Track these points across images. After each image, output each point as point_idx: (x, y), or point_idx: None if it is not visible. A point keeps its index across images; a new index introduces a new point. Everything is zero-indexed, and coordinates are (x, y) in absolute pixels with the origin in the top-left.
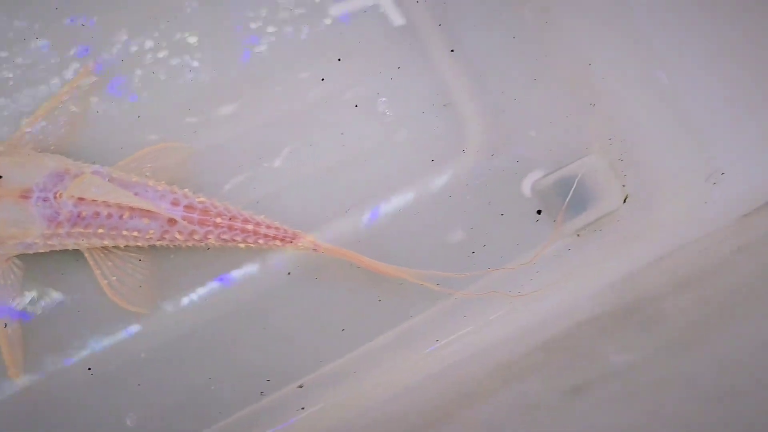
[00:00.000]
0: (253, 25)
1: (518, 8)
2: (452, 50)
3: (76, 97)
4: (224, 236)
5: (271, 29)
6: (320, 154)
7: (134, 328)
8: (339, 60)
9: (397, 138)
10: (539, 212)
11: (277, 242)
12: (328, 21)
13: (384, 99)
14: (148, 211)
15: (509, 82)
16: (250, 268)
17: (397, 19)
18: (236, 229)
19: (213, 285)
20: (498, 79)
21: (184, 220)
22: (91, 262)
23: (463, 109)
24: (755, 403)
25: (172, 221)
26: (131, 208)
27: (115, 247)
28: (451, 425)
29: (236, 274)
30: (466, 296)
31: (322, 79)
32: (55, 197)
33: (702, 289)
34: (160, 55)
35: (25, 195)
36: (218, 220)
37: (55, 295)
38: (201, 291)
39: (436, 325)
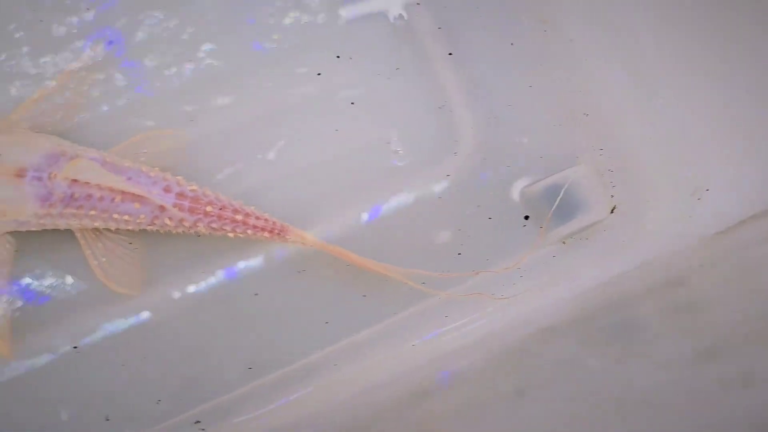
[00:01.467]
0: (254, 19)
1: (517, 15)
2: (450, 53)
3: (76, 81)
4: (213, 225)
5: (273, 23)
6: (314, 149)
7: (121, 309)
8: (338, 57)
9: (390, 137)
10: (527, 218)
11: (266, 234)
12: (328, 18)
13: (380, 98)
14: (139, 196)
15: (505, 88)
16: (238, 258)
17: (397, 21)
18: (226, 219)
19: (201, 272)
20: (494, 84)
21: (174, 207)
22: (82, 243)
23: (458, 112)
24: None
25: (162, 207)
26: (123, 193)
27: (106, 229)
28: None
29: (224, 262)
30: (450, 297)
31: (318, 74)
32: (49, 177)
33: (679, 297)
34: (162, 43)
35: (20, 174)
36: (209, 208)
37: (45, 273)
38: (189, 277)
39: (418, 324)
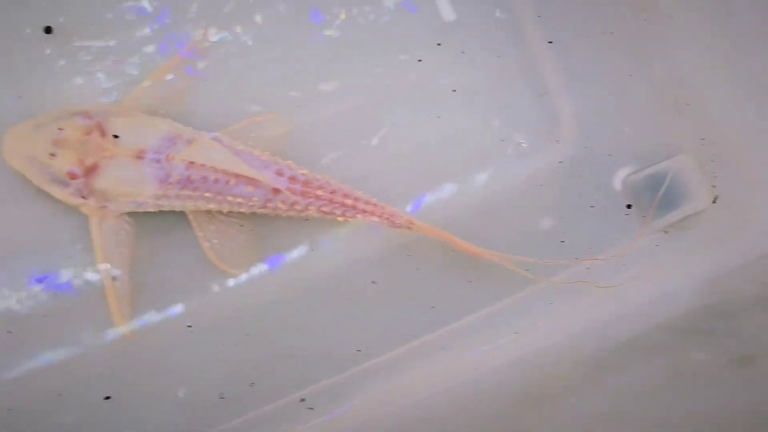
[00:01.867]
0: (356, 5)
1: (617, 4)
2: (550, 42)
3: (185, 65)
4: (324, 209)
5: (373, 9)
6: (416, 135)
7: (233, 290)
8: (438, 45)
9: (493, 124)
10: (629, 207)
11: (374, 218)
12: (430, 6)
13: (482, 86)
14: (253, 179)
15: (605, 77)
16: (343, 240)
17: (498, 9)
18: (336, 203)
19: (306, 254)
20: (594, 73)
21: (287, 191)
22: (194, 224)
23: (559, 100)
24: None
25: (276, 191)
26: (237, 176)
27: (218, 211)
28: (534, 412)
29: (330, 244)
30: (555, 284)
31: (419, 61)
32: (167, 159)
33: None
34: (269, 29)
35: (140, 155)
36: (319, 192)
37: (159, 254)
38: (295, 259)
39: (523, 310)
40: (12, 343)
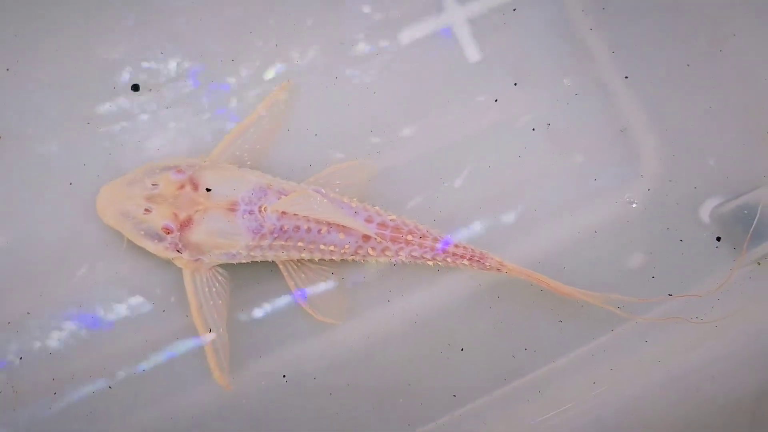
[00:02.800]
0: (434, 52)
1: (692, 36)
2: (626, 77)
3: (271, 115)
4: (414, 254)
5: (451, 55)
6: (499, 176)
7: (326, 339)
8: (515, 84)
9: (574, 161)
10: (719, 239)
11: (465, 261)
12: (504, 46)
13: (561, 123)
14: (344, 226)
15: (684, 110)
16: (431, 284)
17: (572, 46)
18: (426, 247)
19: (395, 300)
20: (672, 106)
21: (377, 237)
22: (285, 274)
23: (640, 135)
24: None
25: (366, 237)
26: (329, 224)
27: (309, 260)
28: None
29: (418, 289)
30: (648, 321)
31: (496, 101)
32: (259, 210)
33: None
34: (345, 77)
35: (232, 208)
36: (409, 237)
37: (252, 306)
38: (384, 305)
39: (617, 348)
40: (124, 401)
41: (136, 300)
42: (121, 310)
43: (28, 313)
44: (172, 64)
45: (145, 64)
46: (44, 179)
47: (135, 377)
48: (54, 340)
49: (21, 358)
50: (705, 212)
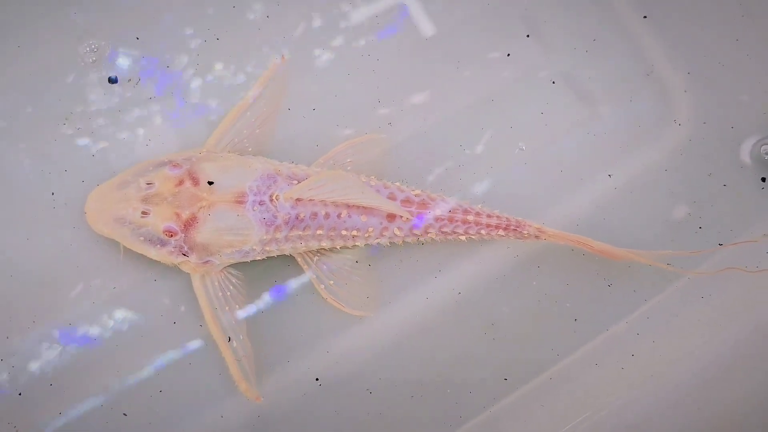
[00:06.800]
0: (435, 6)
1: None
2: (645, 16)
3: (266, 96)
4: (445, 229)
5: (455, 8)
6: (523, 135)
7: (358, 333)
8: (527, 36)
9: (601, 112)
10: (764, 179)
11: (500, 231)
12: None
13: (582, 72)
14: (365, 208)
15: (709, 45)
16: (466, 261)
17: None
18: (457, 221)
19: (430, 282)
20: (697, 42)
21: (405, 214)
22: (305, 268)
23: (667, 77)
24: None
25: (390, 217)
26: (348, 207)
27: (330, 249)
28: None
29: (453, 268)
30: (704, 275)
31: (508, 55)
32: (270, 200)
33: None
34: (347, 48)
35: (240, 200)
36: (438, 212)
37: (271, 307)
38: (421, 288)
39: (672, 309)
40: (158, 413)
41: (141, 314)
42: (125, 327)
43: (22, 340)
44: (153, 50)
45: (122, 51)
46: (22, 192)
47: (151, 398)
48: (54, 367)
49: (20, 394)
50: (745, 152)
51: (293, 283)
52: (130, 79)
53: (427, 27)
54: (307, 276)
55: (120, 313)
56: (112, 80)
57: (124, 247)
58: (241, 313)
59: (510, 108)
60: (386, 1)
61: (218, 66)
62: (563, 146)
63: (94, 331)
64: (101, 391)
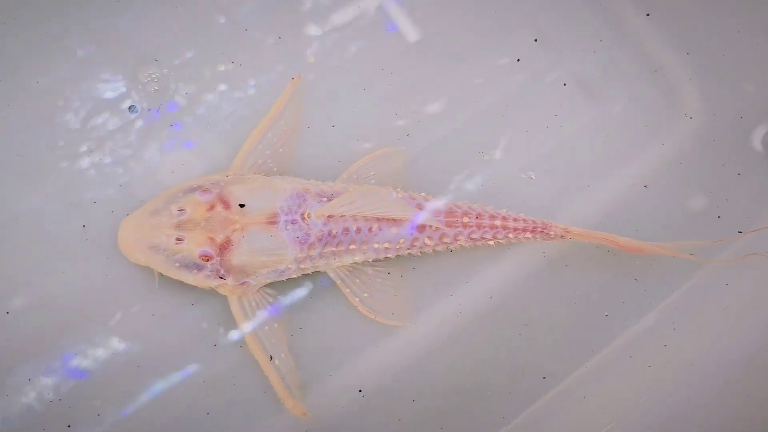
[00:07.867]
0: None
1: None
2: (647, 14)
3: (285, 116)
4: (473, 236)
5: (462, 17)
6: (538, 138)
7: (397, 342)
8: (535, 41)
9: (613, 111)
10: None
11: (528, 234)
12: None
13: (591, 73)
14: (394, 220)
15: (712, 38)
16: (495, 265)
17: None
18: (485, 227)
19: (461, 289)
20: (700, 35)
21: (433, 224)
22: (338, 282)
23: (674, 72)
24: None
25: (420, 227)
26: (378, 220)
27: (362, 263)
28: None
29: (483, 273)
30: (728, 262)
31: (518, 60)
32: (302, 218)
33: None
34: (359, 63)
35: (273, 220)
36: (465, 219)
37: (308, 319)
38: (454, 295)
39: (698, 298)
40: None
41: (182, 339)
42: (166, 353)
43: (63, 372)
44: (171, 77)
45: (142, 78)
46: (52, 228)
47: (198, 421)
48: (101, 396)
49: (69, 426)
50: (757, 140)
51: (328, 299)
52: (150, 108)
53: (437, 39)
54: (341, 291)
55: (160, 339)
56: (132, 109)
57: (159, 273)
58: (281, 331)
59: (524, 112)
60: (397, 14)
61: (236, 89)
62: (578, 146)
63: (135, 359)
64: (147, 418)
